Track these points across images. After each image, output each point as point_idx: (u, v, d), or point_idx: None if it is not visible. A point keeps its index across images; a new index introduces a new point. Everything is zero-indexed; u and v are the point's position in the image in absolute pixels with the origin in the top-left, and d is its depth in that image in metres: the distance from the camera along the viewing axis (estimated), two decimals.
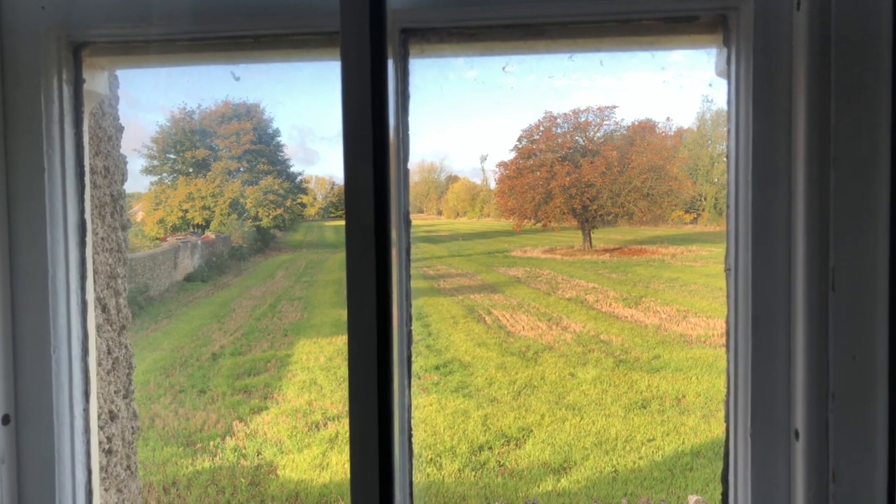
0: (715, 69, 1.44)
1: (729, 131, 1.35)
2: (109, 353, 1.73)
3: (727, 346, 1.36)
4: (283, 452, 10.44)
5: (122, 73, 1.67)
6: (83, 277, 1.42)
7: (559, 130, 39.34)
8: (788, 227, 1.25)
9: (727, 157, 1.36)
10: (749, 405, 1.29)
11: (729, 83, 1.34)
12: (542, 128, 39.53)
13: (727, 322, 1.36)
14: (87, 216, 1.43)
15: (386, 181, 1.16)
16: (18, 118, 1.33)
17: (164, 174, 44.47)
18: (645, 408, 12.05)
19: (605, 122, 39.48)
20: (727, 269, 1.35)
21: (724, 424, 1.40)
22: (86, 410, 1.43)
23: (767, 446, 1.28)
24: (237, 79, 1.55)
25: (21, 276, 1.35)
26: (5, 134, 1.33)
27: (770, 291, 1.27)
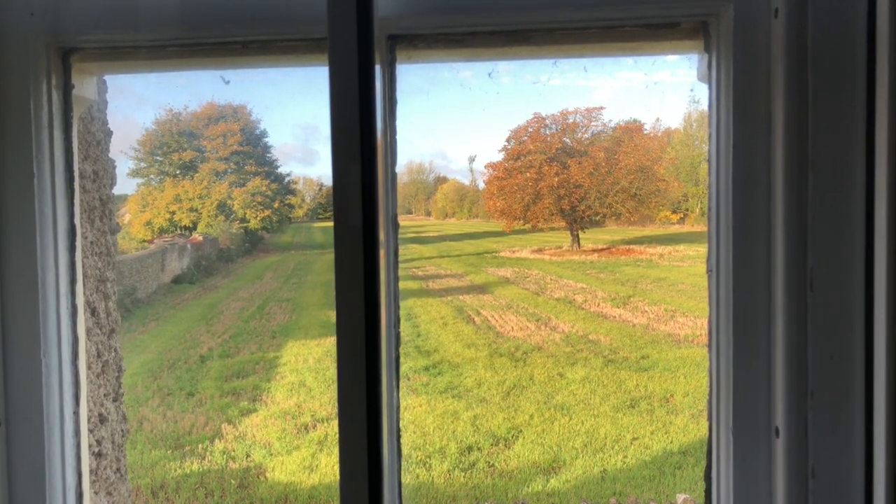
0: (697, 74, 1.47)
1: (710, 135, 1.37)
2: (99, 356, 1.74)
3: (709, 346, 1.38)
4: (272, 455, 10.41)
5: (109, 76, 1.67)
6: (73, 281, 1.43)
7: (547, 132, 39.41)
8: (768, 228, 1.28)
9: (709, 159, 1.39)
10: (731, 404, 1.31)
11: (710, 88, 1.37)
12: (530, 129, 39.58)
13: (709, 322, 1.39)
14: (77, 221, 1.44)
15: (374, 183, 1.17)
16: (8, 124, 1.33)
17: (152, 176, 44.16)
18: (634, 407, 12.11)
19: (592, 123, 39.61)
20: (709, 271, 1.37)
21: (707, 423, 1.43)
22: (76, 414, 1.43)
23: (749, 444, 1.31)
24: (227, 82, 1.56)
25: (11, 280, 1.35)
26: None
27: (750, 292, 1.29)
